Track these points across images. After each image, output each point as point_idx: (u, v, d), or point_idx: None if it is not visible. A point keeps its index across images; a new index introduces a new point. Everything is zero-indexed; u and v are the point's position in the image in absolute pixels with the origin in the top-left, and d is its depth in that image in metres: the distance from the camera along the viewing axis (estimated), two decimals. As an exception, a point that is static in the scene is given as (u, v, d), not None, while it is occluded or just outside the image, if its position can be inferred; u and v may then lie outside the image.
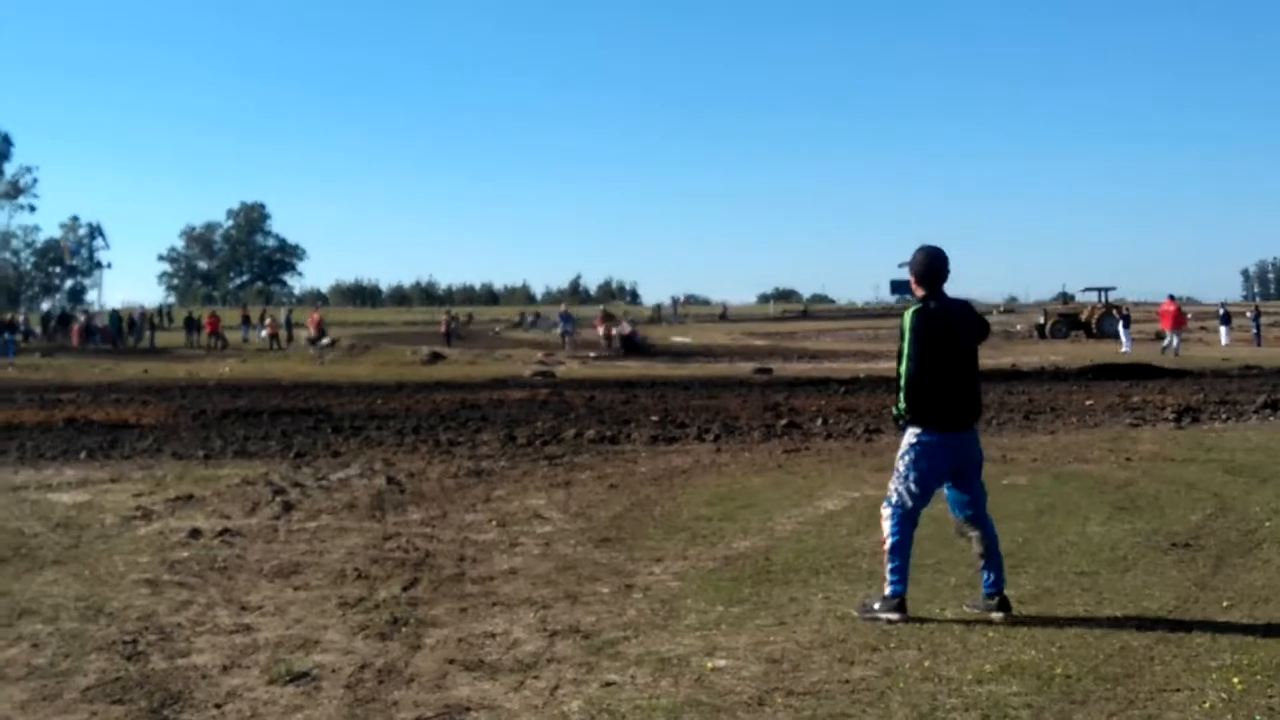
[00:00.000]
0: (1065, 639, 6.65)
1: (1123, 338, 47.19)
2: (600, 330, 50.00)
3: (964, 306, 7.51)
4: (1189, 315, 45.86)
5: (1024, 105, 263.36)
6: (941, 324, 7.17)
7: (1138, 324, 53.81)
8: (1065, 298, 72.36)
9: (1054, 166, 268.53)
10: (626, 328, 49.39)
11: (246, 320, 64.87)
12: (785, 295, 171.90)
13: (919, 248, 7.34)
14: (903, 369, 7.17)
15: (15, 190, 71.56)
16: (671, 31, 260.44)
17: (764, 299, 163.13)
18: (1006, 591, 7.12)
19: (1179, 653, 6.37)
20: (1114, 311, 55.58)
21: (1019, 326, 65.86)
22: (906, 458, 7.20)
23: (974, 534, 7.23)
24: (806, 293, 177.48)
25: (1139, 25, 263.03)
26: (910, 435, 7.22)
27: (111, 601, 7.89)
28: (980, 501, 7.35)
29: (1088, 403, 22.23)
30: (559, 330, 54.40)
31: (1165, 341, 42.30)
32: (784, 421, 19.05)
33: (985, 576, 7.14)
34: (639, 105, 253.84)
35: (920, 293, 7.28)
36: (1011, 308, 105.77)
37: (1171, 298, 46.48)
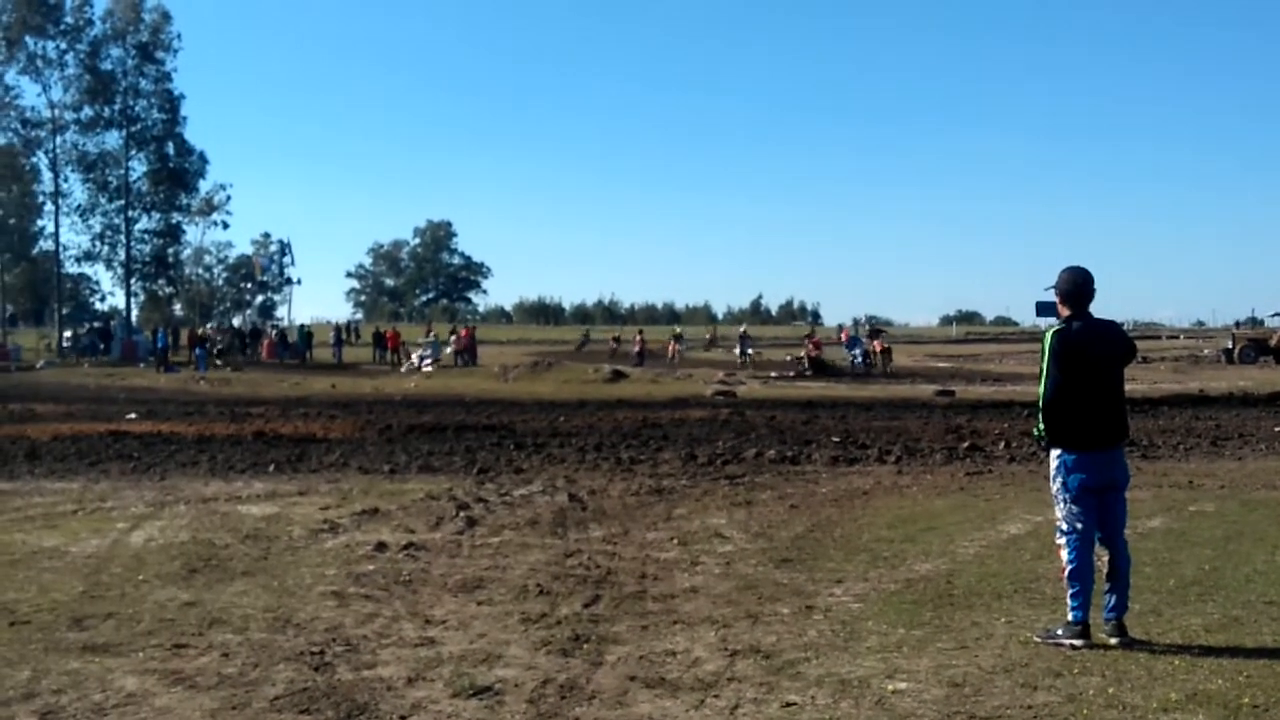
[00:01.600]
0: (1253, 668, 6.51)
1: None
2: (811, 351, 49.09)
3: (1110, 327, 7.44)
4: None
5: (1210, 126, 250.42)
6: (1082, 345, 7.14)
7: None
8: (1254, 322, 69.55)
9: (1240, 187, 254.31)
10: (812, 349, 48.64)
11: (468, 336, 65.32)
12: (968, 317, 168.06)
13: (1065, 268, 7.34)
14: (1041, 389, 7.20)
15: (209, 207, 74.04)
16: (861, 46, 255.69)
17: (946, 320, 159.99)
18: (1189, 618, 7.01)
19: (1375, 685, 6.22)
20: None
21: (1206, 351, 63.38)
22: (1057, 480, 7.22)
23: (1105, 555, 7.20)
24: (990, 315, 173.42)
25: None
26: (1053, 457, 7.24)
27: (299, 613, 8.15)
28: (1117, 524, 7.29)
29: (1277, 429, 21.43)
30: (737, 350, 53.86)
31: None
32: (966, 444, 18.79)
33: (1107, 600, 7.12)
34: (824, 124, 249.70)
35: (1065, 313, 7.26)
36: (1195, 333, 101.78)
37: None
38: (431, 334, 58.08)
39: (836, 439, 19.71)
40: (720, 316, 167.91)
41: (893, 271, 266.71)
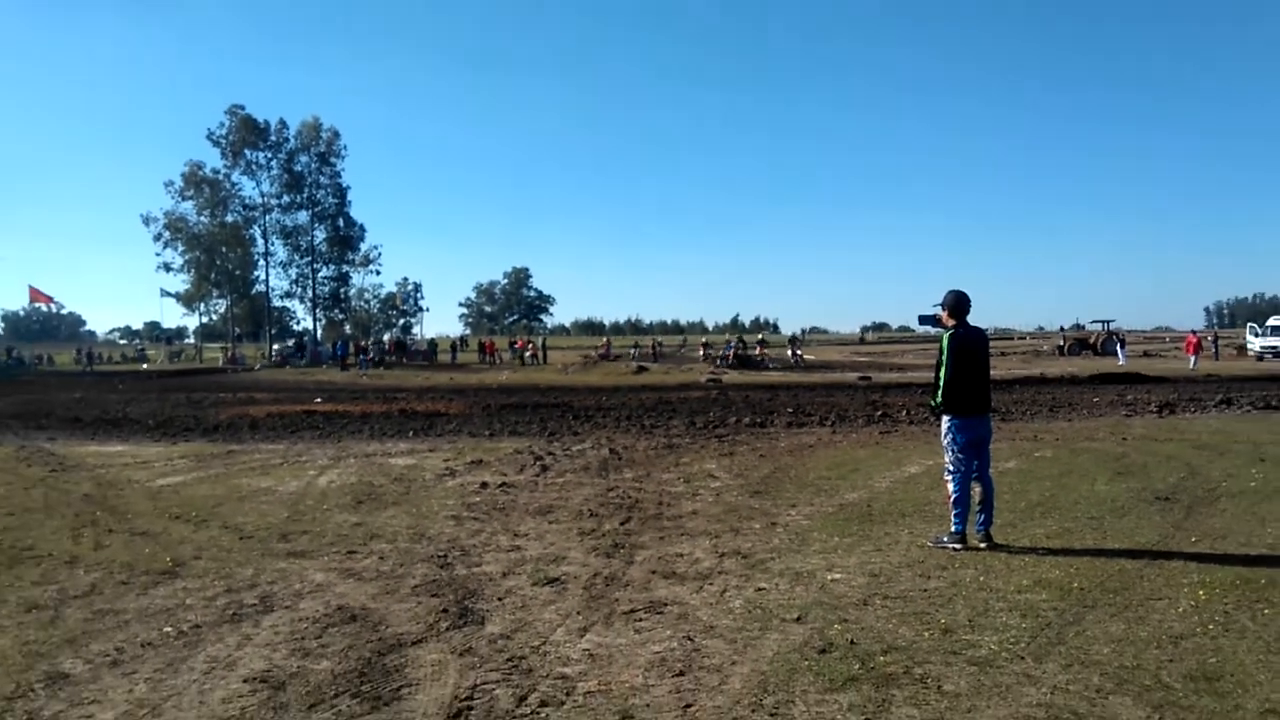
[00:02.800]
0: (1080, 563, 6.42)
1: (1120, 355, 45.51)
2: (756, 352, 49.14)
3: (980, 331, 7.31)
4: (1203, 340, 42.84)
5: (1059, 139, 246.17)
6: (967, 344, 7.07)
7: (1131, 344, 51.47)
8: (1079, 327, 69.30)
9: (1070, 226, 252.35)
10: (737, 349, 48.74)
11: (513, 345, 65.99)
12: (880, 326, 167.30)
13: (950, 291, 7.22)
14: (941, 375, 7.09)
15: (366, 261, 74.35)
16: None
17: (865, 328, 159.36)
18: (1035, 529, 6.93)
19: (1160, 573, 6.12)
20: (1113, 336, 53.37)
21: (1044, 347, 63.08)
22: (948, 438, 7.13)
23: (978, 488, 7.15)
24: (895, 324, 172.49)
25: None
26: (945, 421, 7.14)
27: (430, 530, 8.12)
28: (985, 465, 7.22)
29: (1094, 400, 21.22)
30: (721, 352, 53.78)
31: (1192, 364, 38.31)
32: (880, 413, 18.58)
33: (979, 517, 7.06)
34: (784, 194, 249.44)
35: (951, 322, 7.14)
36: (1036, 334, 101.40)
37: (1193, 332, 45.34)
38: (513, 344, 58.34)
39: (791, 410, 19.52)
40: (711, 328, 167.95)
41: (826, 291, 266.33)
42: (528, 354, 56.21)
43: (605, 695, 4.32)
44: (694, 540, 7.48)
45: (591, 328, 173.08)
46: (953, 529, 7.00)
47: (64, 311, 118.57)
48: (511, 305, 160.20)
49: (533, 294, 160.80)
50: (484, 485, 10.30)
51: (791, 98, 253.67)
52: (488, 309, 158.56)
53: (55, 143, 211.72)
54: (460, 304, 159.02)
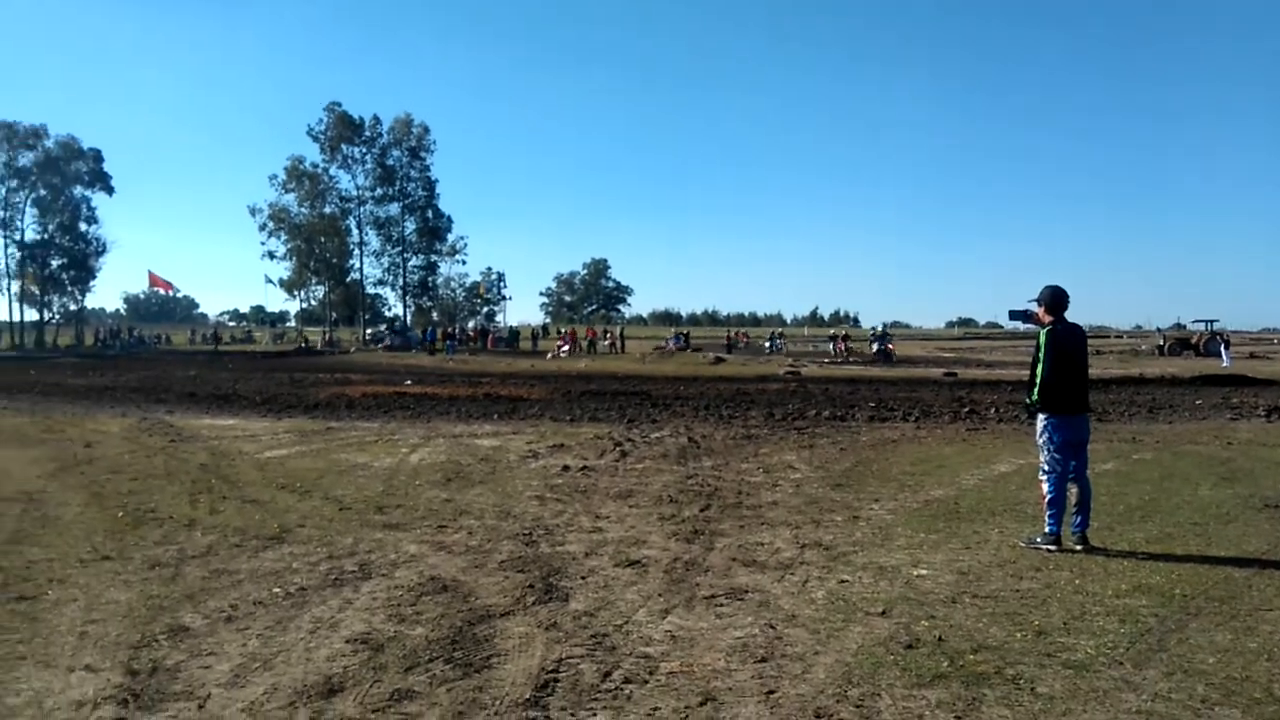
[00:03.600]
0: (1182, 570, 6.14)
1: (1224, 356, 43.06)
2: (840, 345, 48.57)
3: (1078, 328, 7.07)
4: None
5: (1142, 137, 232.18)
6: (1066, 341, 6.86)
7: (1235, 345, 49.11)
8: (1178, 325, 66.46)
9: (1173, 226, 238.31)
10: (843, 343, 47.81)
11: (592, 335, 66.25)
12: (966, 322, 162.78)
13: (1047, 286, 6.98)
14: (1039, 371, 6.86)
15: (453, 251, 75.90)
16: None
17: (950, 324, 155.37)
18: (1134, 533, 6.68)
19: (1271, 583, 5.82)
20: (1217, 336, 50.77)
21: (1143, 346, 60.77)
22: (1044, 436, 6.90)
23: (1074, 489, 6.89)
24: (982, 320, 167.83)
25: None
26: (1041, 420, 6.93)
27: (515, 508, 8.22)
28: (1083, 466, 6.96)
29: (1197, 402, 20.27)
30: (769, 346, 52.92)
31: None
32: (966, 409, 18.04)
33: (1075, 519, 6.81)
34: (873, 175, 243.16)
35: (1049, 319, 6.92)
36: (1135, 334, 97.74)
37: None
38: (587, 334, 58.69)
39: (873, 404, 19.13)
40: (789, 320, 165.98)
41: (911, 285, 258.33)
42: (604, 343, 56.60)
43: (688, 676, 4.29)
44: (774, 530, 7.40)
45: (668, 318, 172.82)
46: (1047, 530, 6.78)
47: (179, 295, 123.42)
48: (590, 295, 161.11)
49: (611, 284, 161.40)
50: (566, 468, 10.37)
51: (883, 85, 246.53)
52: (567, 298, 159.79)
53: (172, 140, 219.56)
54: (541, 293, 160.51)
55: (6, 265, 66.62)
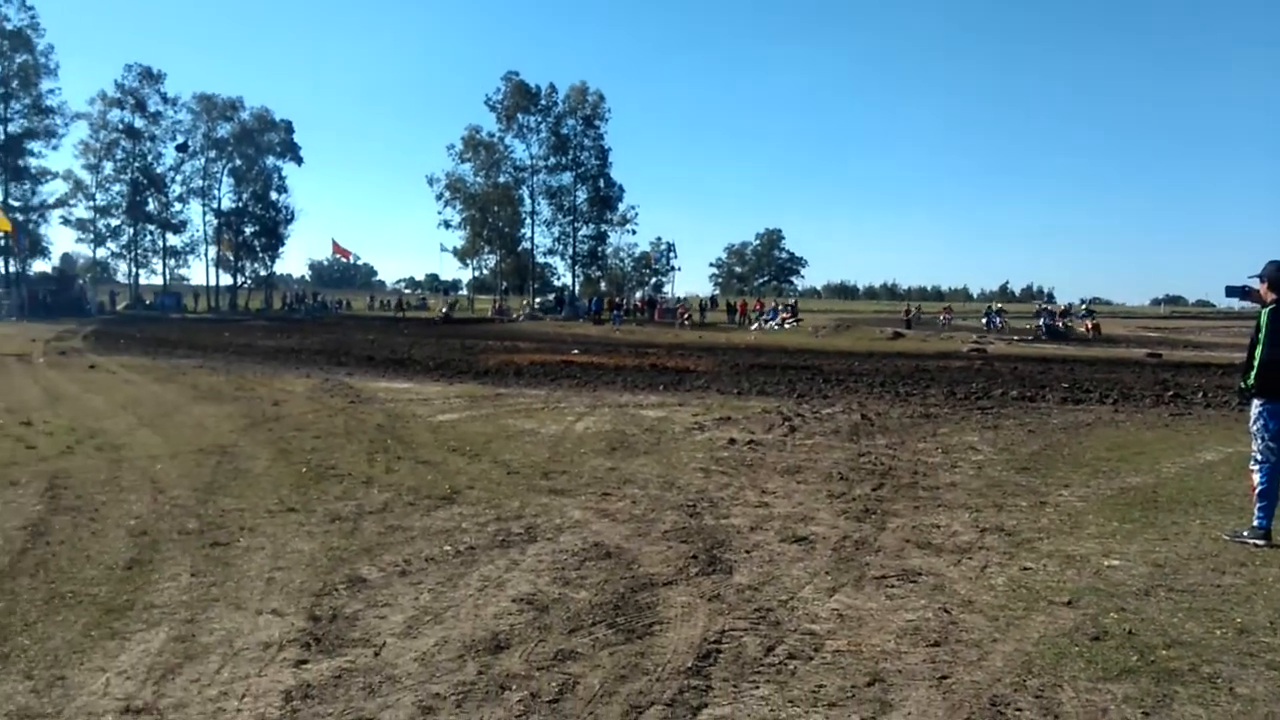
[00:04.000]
0: None
1: None
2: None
3: None
4: None
5: None
6: None
7: None
8: None
9: None
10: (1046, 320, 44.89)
11: (760, 308, 65.52)
12: (1174, 300, 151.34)
13: (1271, 261, 6.40)
14: (1256, 354, 6.35)
15: (623, 221, 76.49)
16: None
17: (1155, 302, 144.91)
18: None
19: None
20: None
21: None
22: (1258, 424, 6.39)
23: None
24: (1191, 298, 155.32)
25: None
26: (1256, 405, 6.41)
27: (679, 479, 8.26)
28: None
29: None
30: (986, 322, 50.44)
31: None
32: (1170, 393, 16.76)
33: None
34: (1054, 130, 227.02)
35: (1272, 297, 6.36)
36: None
37: None
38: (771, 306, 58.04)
39: (1065, 385, 18.01)
40: (975, 296, 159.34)
41: (1114, 260, 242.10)
42: (779, 317, 55.66)
43: (855, 656, 4.21)
44: (952, 512, 7.15)
45: (844, 291, 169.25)
46: (1255, 523, 6.28)
47: (359, 262, 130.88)
48: (762, 267, 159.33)
49: (784, 255, 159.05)
50: (732, 441, 10.33)
51: (1085, 49, 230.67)
52: (738, 269, 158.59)
53: (356, 112, 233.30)
54: (711, 264, 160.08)
55: (205, 232, 70.42)
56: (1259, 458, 6.38)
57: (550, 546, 5.99)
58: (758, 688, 3.86)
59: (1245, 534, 6.30)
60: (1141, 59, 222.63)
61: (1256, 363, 6.34)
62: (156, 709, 3.63)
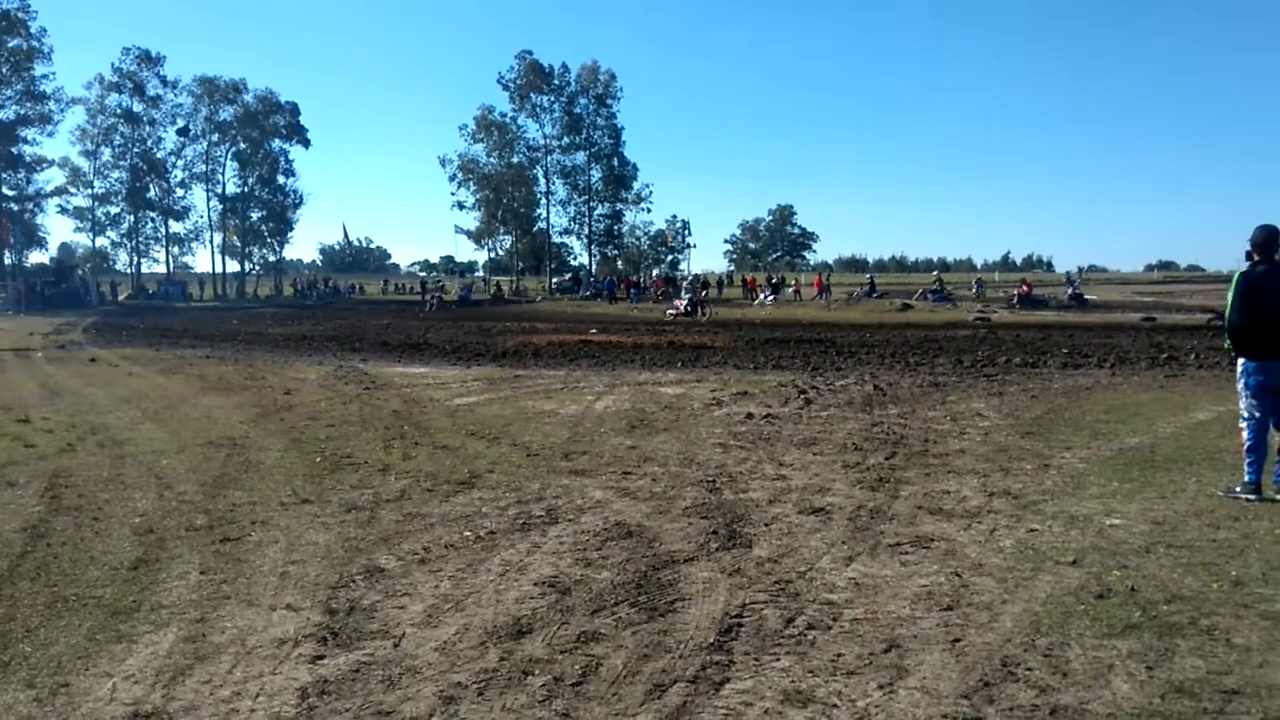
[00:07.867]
0: None
1: None
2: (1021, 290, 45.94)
3: None
4: None
5: None
6: (1266, 282, 6.47)
7: None
8: None
9: None
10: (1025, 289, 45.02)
11: (771, 282, 65.18)
12: (1166, 265, 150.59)
13: (1259, 225, 6.56)
14: (1227, 315, 6.63)
15: (638, 199, 76.41)
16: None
17: (1149, 267, 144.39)
18: None
19: None
20: None
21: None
22: (1241, 381, 6.67)
23: (1276, 436, 6.64)
24: (1183, 263, 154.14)
25: None
26: (1240, 364, 6.67)
27: (699, 455, 8.36)
28: None
29: None
30: (975, 291, 50.48)
31: None
32: (1165, 355, 17.01)
33: (1277, 468, 6.54)
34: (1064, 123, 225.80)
35: (1255, 259, 6.54)
36: None
37: None
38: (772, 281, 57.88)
39: (1065, 350, 18.22)
40: (979, 266, 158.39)
41: (1108, 227, 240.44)
42: (790, 289, 55.66)
43: (872, 623, 4.35)
44: (961, 478, 7.28)
45: (855, 265, 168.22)
46: (1246, 479, 6.49)
47: (372, 246, 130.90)
48: (775, 242, 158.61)
49: (797, 232, 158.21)
50: (749, 416, 10.45)
51: (1088, 15, 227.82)
52: (752, 245, 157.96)
53: (367, 95, 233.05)
54: (725, 241, 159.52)
55: (209, 218, 68.50)
56: (1245, 414, 6.63)
57: (571, 528, 6.06)
58: (779, 660, 3.97)
59: (1238, 489, 6.52)
60: (1135, 17, 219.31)
61: (1228, 325, 6.62)
62: (166, 713, 3.52)
